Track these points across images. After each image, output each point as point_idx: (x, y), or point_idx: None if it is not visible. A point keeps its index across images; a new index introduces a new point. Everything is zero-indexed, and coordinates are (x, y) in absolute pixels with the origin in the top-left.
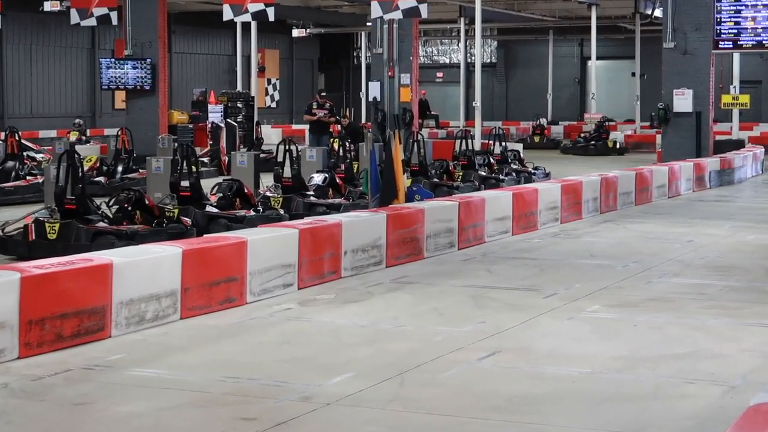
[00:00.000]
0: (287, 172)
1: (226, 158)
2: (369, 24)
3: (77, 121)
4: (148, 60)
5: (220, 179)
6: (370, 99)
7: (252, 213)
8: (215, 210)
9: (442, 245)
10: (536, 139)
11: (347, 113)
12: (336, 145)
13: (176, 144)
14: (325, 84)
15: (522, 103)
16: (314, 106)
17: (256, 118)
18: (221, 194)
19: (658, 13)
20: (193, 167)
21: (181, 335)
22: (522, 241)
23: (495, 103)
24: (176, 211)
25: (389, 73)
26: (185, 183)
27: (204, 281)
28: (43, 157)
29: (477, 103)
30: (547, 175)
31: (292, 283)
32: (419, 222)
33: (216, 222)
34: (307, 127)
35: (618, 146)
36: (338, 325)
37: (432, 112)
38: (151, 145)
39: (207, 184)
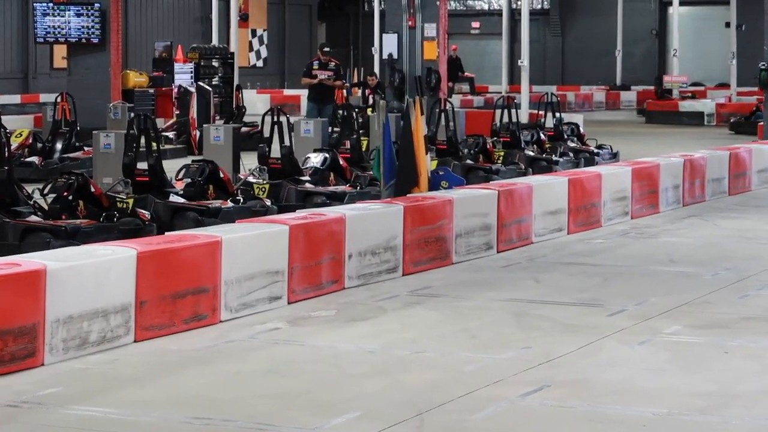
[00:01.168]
0: (276, 151)
1: (197, 133)
2: None
3: None
4: (97, 5)
5: (189, 160)
6: (385, 56)
7: (230, 204)
8: (182, 200)
9: (477, 247)
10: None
11: (371, 76)
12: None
13: (132, 114)
14: (327, 37)
15: (583, 63)
16: (315, 66)
17: (236, 81)
18: (190, 180)
19: None
20: (153, 144)
21: (136, 363)
22: (580, 242)
23: (548, 63)
24: (131, 201)
25: (409, 23)
26: (143, 165)
27: (165, 293)
28: None
29: (524, 61)
30: (614, 156)
31: (280, 296)
32: (446, 217)
33: (183, 215)
34: (304, 93)
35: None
36: (340, 351)
37: (465, 74)
38: (100, 116)
39: (172, 167)
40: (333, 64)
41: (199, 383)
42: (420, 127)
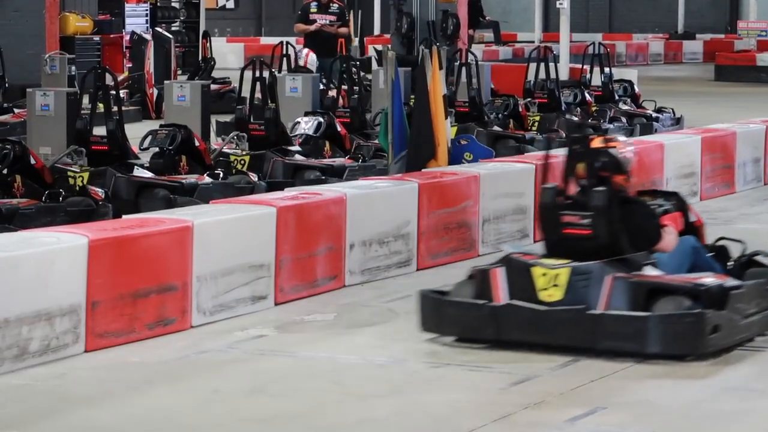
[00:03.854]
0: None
1: (154, 91)
2: None
3: None
4: None
5: (144, 125)
6: None
7: (208, 179)
8: (149, 174)
9: (509, 235)
10: None
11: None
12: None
13: (73, 68)
14: None
15: (636, 4)
16: (312, 9)
17: (202, 27)
18: (158, 149)
19: None
20: (113, 105)
21: (87, 378)
22: None
23: (592, 4)
24: (86, 175)
25: None
26: (100, 131)
27: (123, 291)
28: None
29: (564, 3)
30: (677, 122)
31: (266, 295)
32: (470, 197)
33: (150, 193)
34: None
35: None
36: (341, 364)
37: (489, 18)
38: (34, 70)
39: (130, 134)
40: (336, 6)
41: (167, 404)
42: (438, 85)
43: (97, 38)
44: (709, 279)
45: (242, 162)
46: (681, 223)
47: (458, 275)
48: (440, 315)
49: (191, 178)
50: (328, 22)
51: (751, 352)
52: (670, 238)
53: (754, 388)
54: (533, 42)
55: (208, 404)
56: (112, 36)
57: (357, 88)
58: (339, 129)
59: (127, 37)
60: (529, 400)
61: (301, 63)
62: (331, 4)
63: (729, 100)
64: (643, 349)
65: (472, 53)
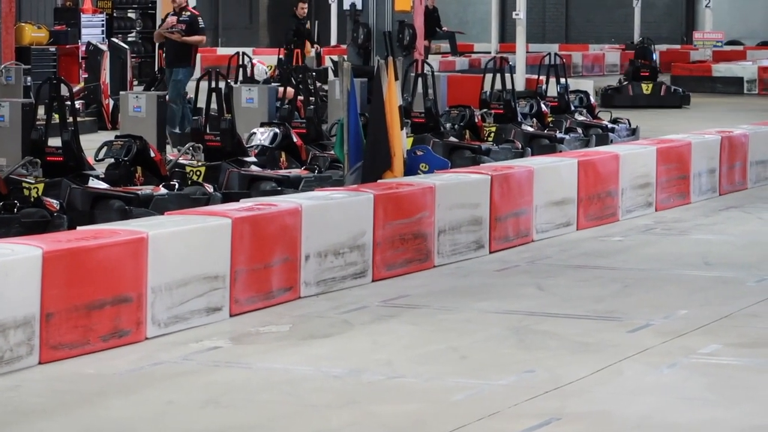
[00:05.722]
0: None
1: (110, 102)
2: None
3: None
4: None
5: (99, 136)
6: (346, 7)
7: (163, 190)
8: (104, 185)
9: (465, 246)
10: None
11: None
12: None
13: (29, 78)
14: None
15: (592, 15)
16: (168, 18)
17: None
18: (114, 160)
19: None
20: (68, 116)
21: (42, 391)
22: (593, 240)
23: (549, 15)
24: (41, 186)
25: None
26: (55, 142)
27: (78, 303)
28: None
29: (520, 13)
30: (632, 132)
31: (220, 307)
32: (426, 208)
33: (105, 204)
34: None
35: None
36: (296, 376)
37: (446, 29)
38: None
39: (85, 145)
40: (188, 14)
41: (122, 416)
42: (394, 95)
43: (53, 49)
44: None
45: (198, 173)
46: None
47: (414, 286)
48: None
49: (146, 189)
50: (173, 29)
51: (705, 363)
52: None
53: (709, 399)
54: (490, 53)
55: (163, 416)
56: (68, 46)
57: (313, 98)
58: (295, 140)
59: (83, 48)
60: (484, 411)
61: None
62: (183, 12)
63: (684, 111)
64: None
65: (428, 64)
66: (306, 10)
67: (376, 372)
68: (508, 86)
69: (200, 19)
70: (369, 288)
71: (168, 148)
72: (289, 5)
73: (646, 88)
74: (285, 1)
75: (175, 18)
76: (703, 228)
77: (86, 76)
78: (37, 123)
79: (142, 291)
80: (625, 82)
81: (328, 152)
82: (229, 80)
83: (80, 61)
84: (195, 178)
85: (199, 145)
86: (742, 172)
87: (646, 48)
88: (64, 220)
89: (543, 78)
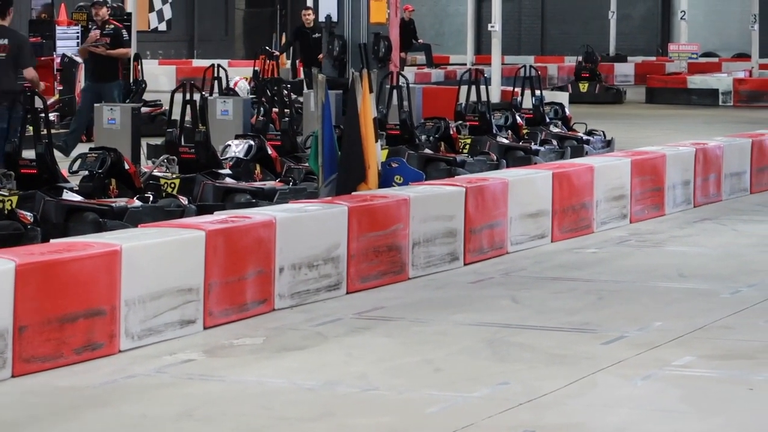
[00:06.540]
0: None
1: None
2: None
3: None
4: None
5: (80, 149)
6: (321, 19)
7: (138, 203)
8: (78, 197)
9: (439, 258)
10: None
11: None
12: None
13: None
14: None
15: (568, 27)
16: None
17: (134, 49)
18: (88, 172)
19: None
20: (42, 128)
21: (14, 404)
22: (568, 252)
23: (524, 27)
24: (15, 198)
25: None
26: (24, 154)
27: (51, 315)
28: None
29: (495, 26)
30: (607, 144)
31: (194, 320)
32: (401, 220)
33: (80, 217)
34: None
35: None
36: (270, 388)
37: (421, 41)
38: None
39: (61, 158)
40: (112, 27)
41: (95, 429)
42: (368, 107)
43: None
44: None
45: (172, 185)
46: None
47: (388, 298)
48: None
49: (121, 202)
50: (97, 43)
51: (679, 375)
52: None
53: (683, 411)
54: (465, 64)
55: (137, 429)
56: (42, 58)
57: (288, 110)
58: (270, 152)
59: (58, 60)
60: (458, 423)
61: (231, 84)
62: (106, 26)
63: (660, 123)
64: None
65: (403, 76)
66: (311, 17)
67: (350, 384)
68: (484, 98)
69: (124, 32)
70: (343, 300)
71: (142, 160)
72: (264, 17)
73: (583, 86)
74: (261, 14)
75: (98, 32)
76: (677, 240)
77: (61, 88)
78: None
79: (115, 304)
80: (569, 83)
81: (303, 164)
82: (204, 92)
83: (55, 73)
84: (169, 190)
85: (174, 157)
86: (716, 184)
87: (590, 53)
88: (38, 232)
89: (518, 90)
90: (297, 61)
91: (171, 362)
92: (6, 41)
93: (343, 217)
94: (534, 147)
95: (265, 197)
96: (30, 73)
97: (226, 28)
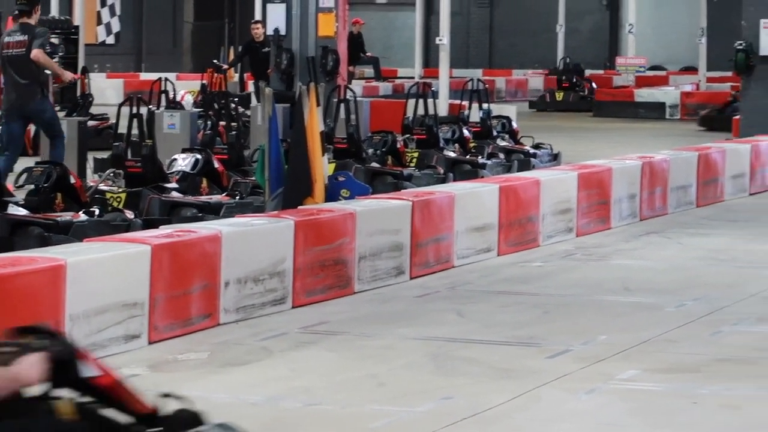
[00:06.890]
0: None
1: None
2: None
3: None
4: None
5: (26, 163)
6: (269, 32)
7: (83, 217)
8: (24, 211)
9: (385, 272)
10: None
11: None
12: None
13: None
14: (196, 5)
15: (516, 41)
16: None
17: (81, 62)
18: (34, 186)
19: None
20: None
21: None
22: (514, 265)
23: (473, 41)
24: None
25: None
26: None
27: None
28: None
29: (443, 39)
30: (554, 158)
31: (139, 334)
32: (347, 234)
33: (24, 231)
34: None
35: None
36: (214, 403)
37: (369, 54)
38: None
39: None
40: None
41: None
42: (315, 121)
43: None
44: None
45: (118, 199)
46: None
47: (334, 312)
48: None
49: (66, 216)
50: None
51: (624, 389)
52: None
53: (628, 424)
54: (414, 78)
55: None
56: None
57: (235, 124)
58: (216, 166)
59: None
60: None
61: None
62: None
63: (607, 136)
64: None
65: (351, 89)
66: (260, 31)
67: (294, 399)
68: (431, 112)
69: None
70: (289, 314)
71: (89, 173)
72: (213, 31)
73: (558, 95)
74: (209, 27)
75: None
76: (623, 253)
77: None
78: None
79: (60, 318)
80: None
81: (250, 178)
82: (151, 106)
83: (0, 86)
84: (115, 204)
85: (120, 171)
86: (662, 198)
87: (576, 65)
88: None
89: (466, 103)
90: (245, 75)
91: None
92: (25, 37)
93: (289, 231)
94: (481, 160)
95: (212, 211)
96: (35, 54)
97: (174, 41)
